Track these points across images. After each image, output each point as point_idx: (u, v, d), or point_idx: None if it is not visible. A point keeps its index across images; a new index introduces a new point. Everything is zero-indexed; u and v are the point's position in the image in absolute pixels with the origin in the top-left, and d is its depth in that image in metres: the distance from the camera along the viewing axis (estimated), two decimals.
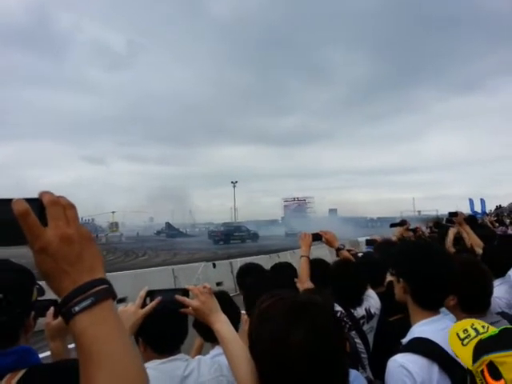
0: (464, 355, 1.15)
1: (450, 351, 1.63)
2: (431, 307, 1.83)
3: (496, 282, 2.56)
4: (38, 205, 0.67)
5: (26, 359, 1.27)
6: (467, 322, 1.27)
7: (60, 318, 1.71)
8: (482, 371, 1.05)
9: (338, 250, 3.23)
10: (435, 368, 1.64)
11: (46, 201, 0.68)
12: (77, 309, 0.65)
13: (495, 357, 1.03)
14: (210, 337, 1.94)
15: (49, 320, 1.74)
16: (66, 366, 1.44)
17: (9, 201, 0.65)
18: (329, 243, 3.27)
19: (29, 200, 0.66)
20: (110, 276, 8.48)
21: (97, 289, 0.67)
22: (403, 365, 1.62)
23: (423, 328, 1.77)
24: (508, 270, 3.26)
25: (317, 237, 3.24)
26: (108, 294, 0.69)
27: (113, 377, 0.64)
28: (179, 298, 1.65)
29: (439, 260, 1.84)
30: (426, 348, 1.68)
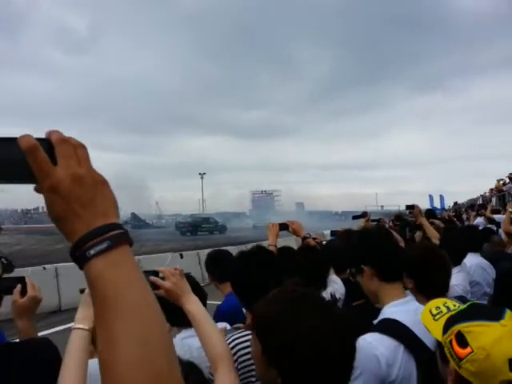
0: (434, 329, 1.21)
1: (418, 333, 1.70)
2: (396, 280, 1.91)
3: (454, 270, 2.71)
4: (46, 144, 0.62)
5: None
6: (440, 301, 1.33)
7: (28, 296, 1.69)
8: (451, 341, 1.11)
9: (304, 238, 3.32)
10: (401, 349, 1.69)
11: (54, 139, 0.63)
12: (92, 252, 0.60)
13: (463, 326, 1.09)
14: (176, 321, 1.95)
15: (16, 298, 1.69)
16: (34, 345, 1.44)
17: (15, 139, 0.61)
18: (295, 232, 3.37)
19: (36, 139, 0.61)
20: None
21: (113, 233, 0.62)
22: (371, 344, 1.67)
23: (393, 309, 1.82)
24: (463, 258, 3.49)
25: (284, 226, 3.32)
26: (125, 238, 0.63)
27: (131, 322, 0.58)
28: (152, 278, 1.63)
29: (392, 239, 2.06)
30: (394, 329, 1.73)
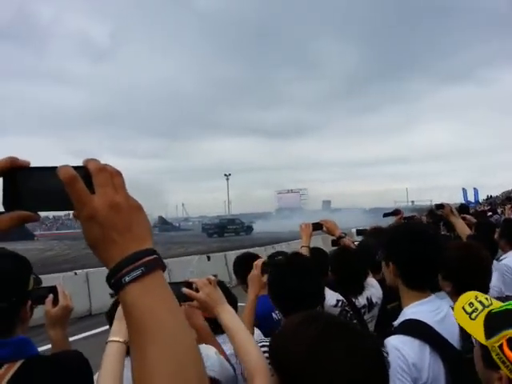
0: (475, 330, 1.13)
1: (442, 332, 1.67)
2: (421, 288, 1.82)
3: None
4: (83, 172, 0.64)
5: (23, 350, 1.23)
6: (471, 295, 1.25)
7: (60, 305, 1.69)
8: (501, 346, 1.03)
9: (340, 238, 3.17)
10: (427, 349, 1.64)
11: (92, 168, 0.65)
12: (127, 279, 0.62)
13: None
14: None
15: (48, 307, 1.69)
16: (65, 358, 1.41)
17: (54, 168, 0.63)
18: (330, 232, 3.23)
19: (74, 168, 0.63)
20: None
21: (147, 259, 0.64)
22: (396, 346, 1.62)
23: (414, 310, 1.78)
24: (493, 258, 3.25)
25: (317, 226, 3.19)
26: (158, 264, 0.66)
27: (166, 349, 0.60)
28: (186, 290, 1.61)
29: (427, 240, 1.83)
30: (418, 329, 1.68)
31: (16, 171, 0.64)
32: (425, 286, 1.84)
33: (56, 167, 0.63)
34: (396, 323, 1.79)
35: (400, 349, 1.61)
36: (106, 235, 0.64)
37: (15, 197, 0.64)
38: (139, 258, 0.63)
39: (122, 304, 0.64)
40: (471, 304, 1.20)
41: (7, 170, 0.63)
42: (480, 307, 1.17)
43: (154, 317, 0.61)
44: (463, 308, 1.21)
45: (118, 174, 0.67)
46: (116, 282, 0.63)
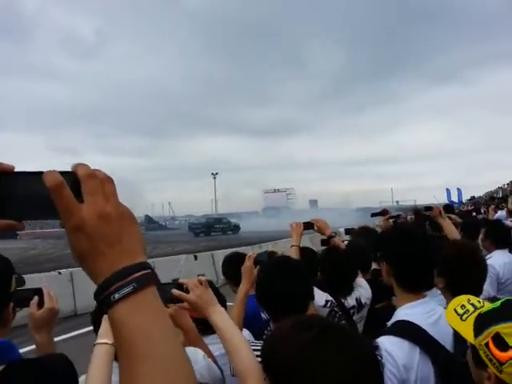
0: (464, 330, 1.13)
1: (434, 334, 1.68)
2: (414, 289, 1.83)
3: None
4: (72, 178, 0.60)
5: (4, 354, 1.19)
6: (463, 298, 1.25)
7: (45, 308, 1.64)
8: (487, 344, 1.03)
9: (330, 237, 3.15)
10: (417, 351, 1.64)
11: (81, 174, 0.60)
12: (117, 296, 0.58)
13: (502, 327, 1.01)
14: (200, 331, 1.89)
15: (33, 310, 1.64)
16: (50, 362, 1.37)
17: (40, 173, 0.58)
18: (321, 231, 3.20)
19: (62, 173, 0.59)
20: None
21: (138, 274, 0.59)
22: (385, 347, 1.61)
23: (407, 311, 1.77)
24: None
25: (308, 225, 3.16)
26: (151, 279, 0.61)
27: (157, 370, 0.57)
28: (176, 292, 1.58)
29: (418, 240, 1.84)
30: (408, 331, 1.68)
31: (0, 176, 0.60)
32: (418, 287, 1.84)
33: (42, 172, 0.59)
34: (389, 323, 1.80)
35: (389, 350, 1.61)
36: (95, 247, 0.59)
37: None
38: (130, 273, 0.59)
39: (111, 322, 0.60)
40: (463, 306, 1.21)
41: None
42: (471, 309, 1.18)
43: (145, 337, 0.58)
44: (455, 310, 1.21)
45: (109, 180, 0.63)
46: (105, 299, 0.59)
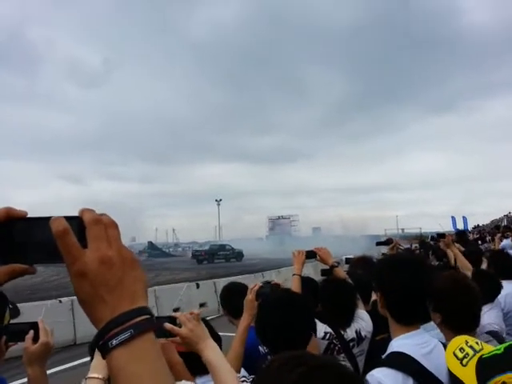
0: (466, 376, 1.12)
1: (428, 366, 1.65)
2: (407, 320, 1.80)
3: (485, 308, 2.50)
4: (77, 223, 0.62)
5: None
6: (461, 339, 1.24)
7: (40, 342, 1.64)
8: None
9: (332, 267, 3.11)
10: (410, 382, 1.62)
11: (87, 220, 0.62)
12: (114, 342, 0.58)
13: (508, 377, 1.00)
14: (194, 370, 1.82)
15: (27, 345, 1.63)
16: None
17: (47, 219, 0.61)
18: (323, 260, 3.15)
19: (68, 218, 0.61)
20: None
21: (137, 320, 0.60)
22: (379, 380, 1.61)
23: (401, 342, 1.76)
24: (497, 294, 3.22)
25: (311, 254, 3.11)
26: (149, 325, 0.61)
27: None
28: (168, 326, 1.57)
29: (409, 270, 1.80)
30: (402, 362, 1.66)
31: (13, 222, 0.63)
32: (412, 318, 1.81)
33: (49, 218, 0.61)
34: (384, 355, 1.78)
35: (382, 382, 1.60)
36: (96, 293, 0.60)
37: (11, 249, 0.63)
38: (128, 319, 0.60)
39: (109, 367, 0.60)
40: (462, 349, 1.19)
41: (3, 220, 0.62)
42: (471, 352, 1.16)
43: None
44: (454, 353, 1.19)
45: (114, 225, 0.64)
46: (103, 345, 0.59)
